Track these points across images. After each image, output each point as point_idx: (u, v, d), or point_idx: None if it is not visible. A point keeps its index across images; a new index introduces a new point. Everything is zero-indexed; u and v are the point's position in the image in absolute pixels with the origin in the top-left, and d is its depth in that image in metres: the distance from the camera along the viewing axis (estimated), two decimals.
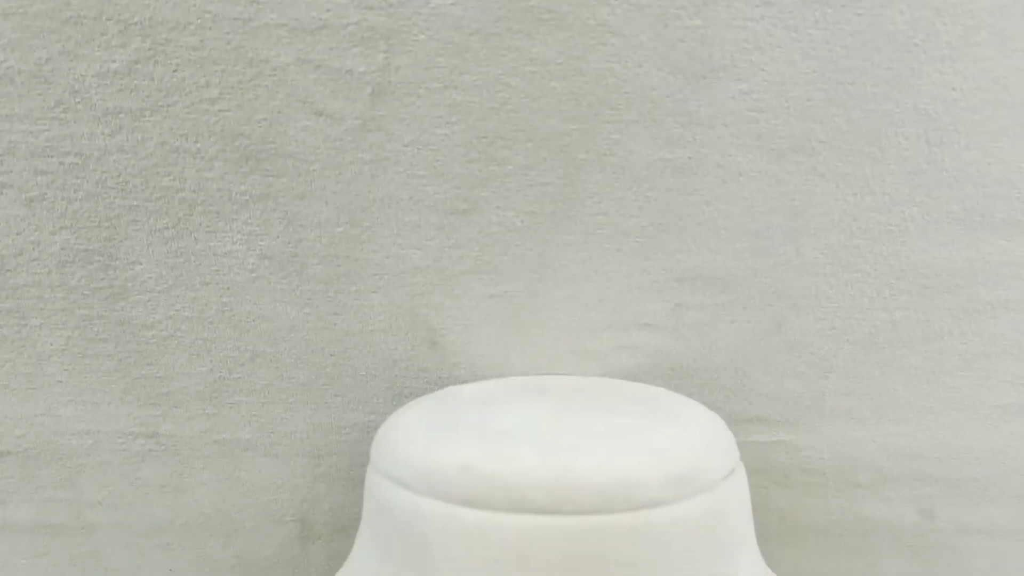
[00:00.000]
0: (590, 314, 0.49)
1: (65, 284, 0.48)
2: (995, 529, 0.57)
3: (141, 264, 0.47)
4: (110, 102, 0.43)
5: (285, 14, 0.42)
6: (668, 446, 0.38)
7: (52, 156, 0.44)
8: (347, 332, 0.50)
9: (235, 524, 0.56)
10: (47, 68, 0.43)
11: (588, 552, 0.34)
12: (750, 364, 0.51)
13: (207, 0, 0.42)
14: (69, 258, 0.47)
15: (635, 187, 0.46)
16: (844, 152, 0.45)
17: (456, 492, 0.35)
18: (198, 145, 0.44)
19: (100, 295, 0.48)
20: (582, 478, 0.34)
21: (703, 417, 0.42)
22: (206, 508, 0.56)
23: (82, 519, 0.56)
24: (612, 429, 0.39)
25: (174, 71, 0.43)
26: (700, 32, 0.43)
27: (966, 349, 0.50)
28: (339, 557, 0.56)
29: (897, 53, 0.44)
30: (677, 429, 0.40)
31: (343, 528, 0.56)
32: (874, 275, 0.48)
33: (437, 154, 0.45)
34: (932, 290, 0.49)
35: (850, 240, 0.47)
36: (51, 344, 0.50)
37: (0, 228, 0.46)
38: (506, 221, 0.46)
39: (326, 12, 0.42)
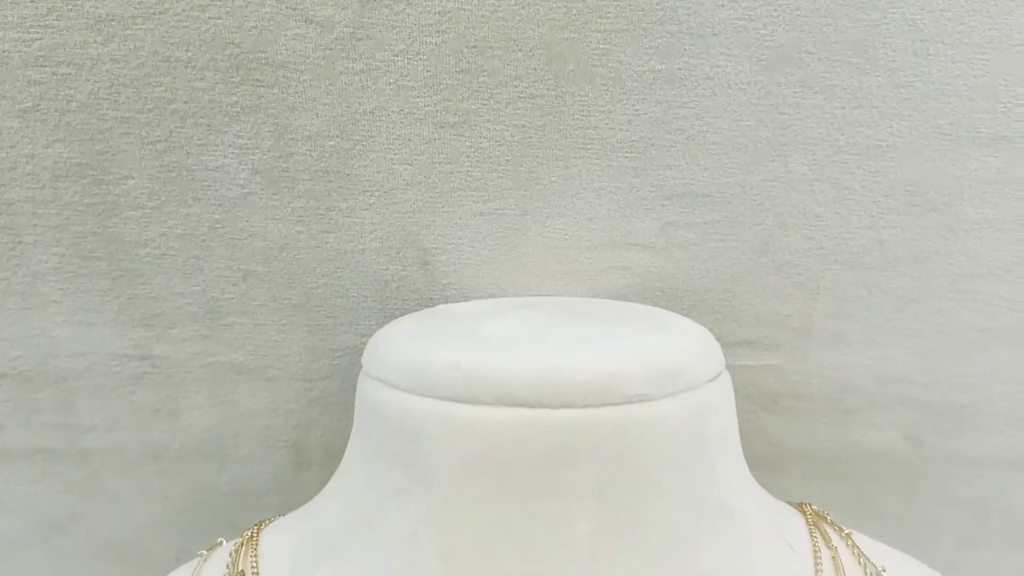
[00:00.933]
0: (580, 233, 0.48)
1: (59, 199, 0.47)
2: (981, 458, 0.57)
3: (133, 179, 0.46)
4: (102, 9, 0.43)
5: None
6: (654, 347, 0.37)
7: (45, 66, 0.44)
8: (339, 251, 0.49)
9: (229, 450, 0.56)
10: None
11: (574, 445, 0.33)
12: (739, 285, 0.50)
13: None
14: (63, 172, 0.46)
15: (625, 99, 0.45)
16: (832, 63, 0.44)
17: (444, 389, 0.34)
18: (189, 54, 0.44)
19: (93, 211, 0.47)
20: (568, 372, 0.33)
21: (690, 325, 0.41)
22: (200, 433, 0.55)
23: (78, 444, 0.55)
24: (600, 333, 0.39)
25: None
26: None
27: (952, 269, 0.50)
28: None
29: None
30: (664, 335, 0.39)
31: (336, 454, 0.55)
32: (862, 192, 0.47)
33: (427, 64, 0.44)
34: (919, 208, 0.48)
35: (838, 155, 0.46)
36: (45, 262, 0.49)
37: None
38: (496, 135, 0.46)
39: None
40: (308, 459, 0.55)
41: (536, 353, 0.35)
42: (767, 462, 0.56)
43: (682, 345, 0.38)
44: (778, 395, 0.54)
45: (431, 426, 0.34)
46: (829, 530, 0.42)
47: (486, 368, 0.34)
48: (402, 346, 0.37)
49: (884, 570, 0.39)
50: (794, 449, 0.56)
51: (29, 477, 0.56)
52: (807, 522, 0.42)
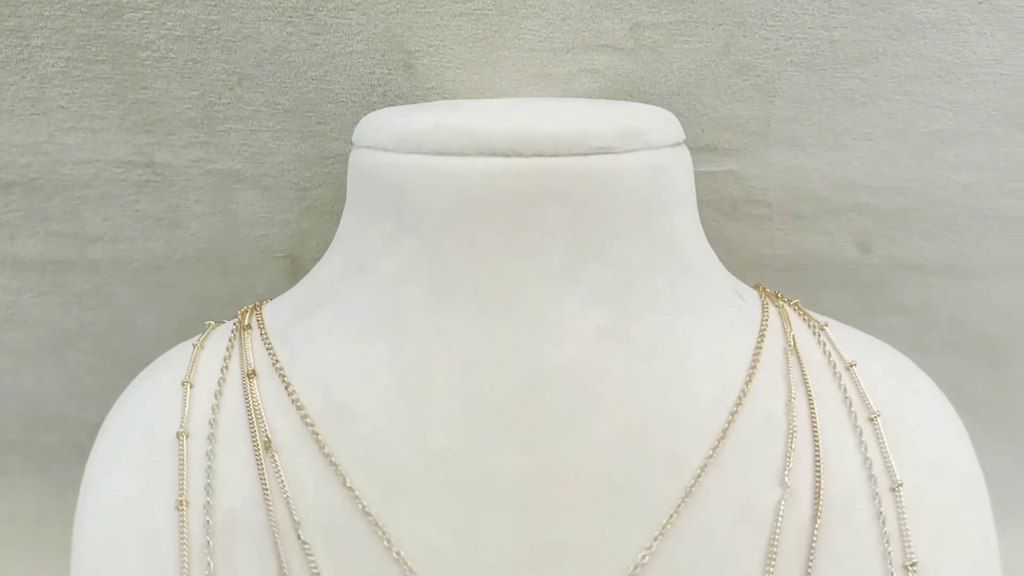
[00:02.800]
0: (554, 34, 0.50)
1: (64, 0, 0.48)
2: (926, 264, 0.59)
3: None
4: None
5: None
6: (620, 110, 0.39)
7: None
8: (327, 54, 0.50)
9: (229, 260, 0.58)
10: None
11: (545, 189, 0.35)
12: (702, 88, 0.52)
13: None
14: None
15: None
16: None
17: (428, 145, 0.36)
18: None
19: (97, 12, 0.49)
20: (541, 126, 0.35)
21: (655, 108, 0.44)
22: (201, 244, 0.57)
23: (85, 255, 0.57)
24: (572, 105, 0.41)
25: None
26: None
27: (899, 71, 0.52)
28: None
29: None
30: (631, 108, 0.42)
31: None
32: None
33: None
34: (868, 7, 0.50)
35: None
36: (52, 66, 0.50)
37: None
38: None
39: None
40: (303, 269, 0.57)
41: (512, 113, 0.37)
42: (728, 269, 0.59)
43: (646, 112, 0.40)
44: (738, 202, 0.57)
45: (417, 178, 0.36)
46: (785, 306, 0.44)
47: (465, 125, 0.36)
48: (388, 117, 0.39)
49: (853, 364, 0.40)
50: (753, 256, 0.58)
51: (40, 288, 0.58)
52: (760, 292, 0.44)
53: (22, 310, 0.56)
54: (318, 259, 0.56)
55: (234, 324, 0.41)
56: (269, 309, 0.41)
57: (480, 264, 0.34)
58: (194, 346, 0.40)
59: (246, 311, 0.41)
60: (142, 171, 0.52)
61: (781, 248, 0.56)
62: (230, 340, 0.39)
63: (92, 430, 0.56)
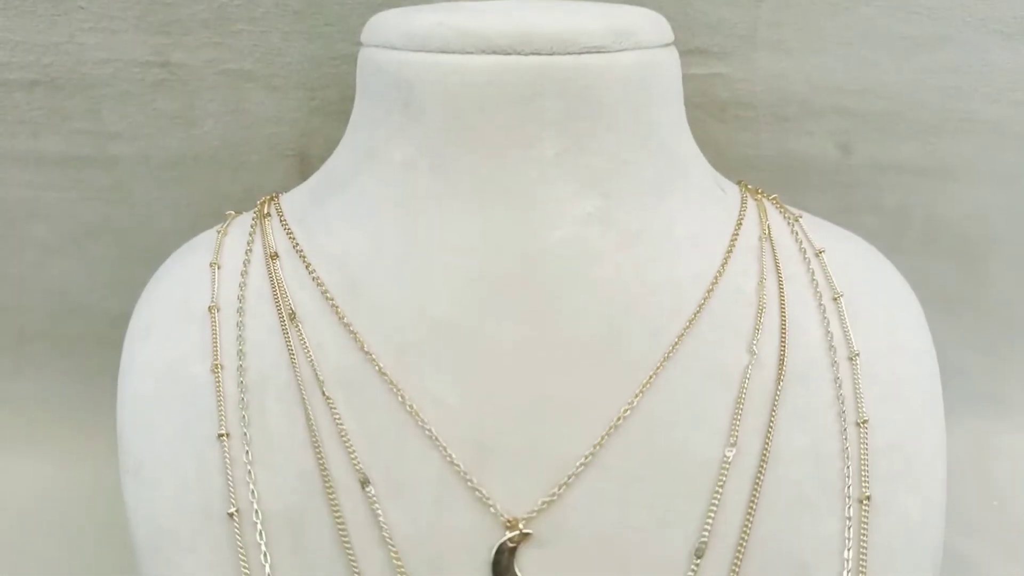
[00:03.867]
0: None
1: None
2: (903, 165, 0.63)
3: None
4: None
5: None
6: (613, 11, 0.43)
7: None
8: None
9: (242, 157, 0.61)
10: None
11: (541, 84, 0.38)
12: None
13: None
14: None
15: None
16: None
17: (434, 43, 0.39)
18: None
19: None
20: (538, 25, 0.39)
21: (647, 10, 0.47)
22: (215, 141, 0.60)
23: (105, 152, 0.61)
24: (568, 3, 0.45)
25: None
26: None
27: None
28: None
29: None
30: (624, 10, 0.45)
31: None
32: None
33: None
34: None
35: None
36: None
37: None
38: None
39: None
40: (311, 167, 0.60)
41: (512, 13, 0.41)
42: (715, 169, 0.63)
43: (637, 13, 0.43)
44: (726, 104, 0.60)
45: (423, 73, 0.40)
46: (764, 199, 0.48)
47: (468, 24, 0.39)
48: (395, 17, 0.43)
49: (822, 251, 0.45)
50: (739, 157, 0.62)
51: (62, 184, 0.62)
52: (741, 188, 0.48)
53: (46, 205, 0.60)
54: (326, 157, 0.60)
55: (254, 213, 0.45)
56: (286, 198, 0.45)
57: (481, 153, 0.38)
58: (218, 232, 0.44)
59: (265, 201, 0.45)
60: (158, 71, 0.55)
61: (766, 149, 0.60)
62: (251, 226, 0.43)
63: (114, 320, 0.61)
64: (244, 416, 0.36)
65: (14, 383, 0.70)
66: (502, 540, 0.33)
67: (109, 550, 0.66)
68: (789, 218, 0.44)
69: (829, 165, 0.61)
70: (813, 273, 0.42)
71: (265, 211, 0.44)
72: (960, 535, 0.68)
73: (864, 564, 0.34)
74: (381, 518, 0.34)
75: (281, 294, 0.39)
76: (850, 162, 0.61)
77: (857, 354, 0.38)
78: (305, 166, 0.60)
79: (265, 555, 0.34)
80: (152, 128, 0.58)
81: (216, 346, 0.38)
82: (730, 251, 0.40)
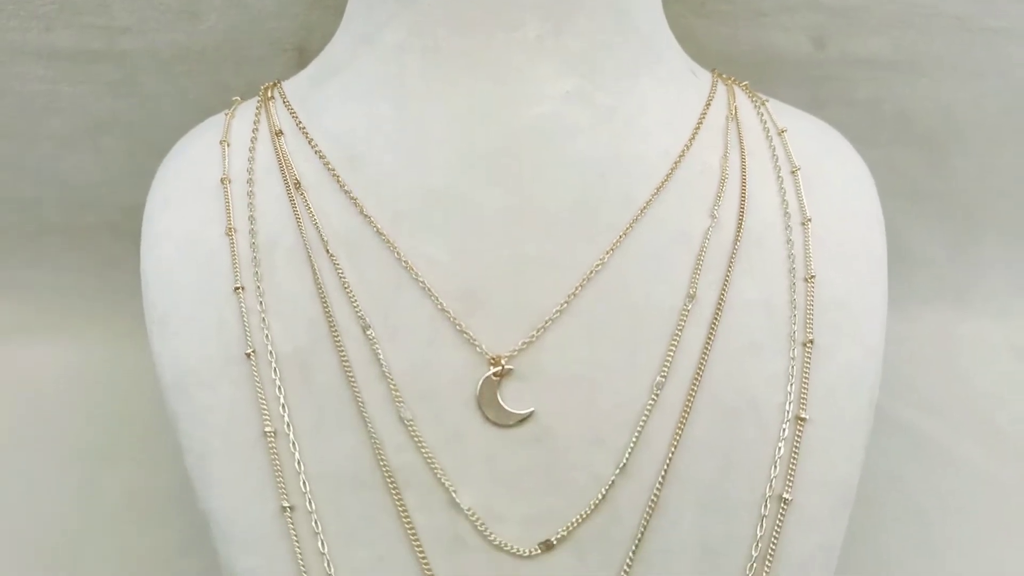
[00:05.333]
0: None
1: None
2: (874, 60, 0.67)
3: None
4: None
5: None
6: None
7: None
8: None
9: (243, 51, 0.65)
10: None
11: None
12: None
13: None
14: None
15: None
16: None
17: None
18: None
19: None
20: None
21: None
22: (219, 35, 0.64)
23: (115, 46, 0.64)
24: None
25: None
26: None
27: None
28: None
29: None
30: None
31: None
32: None
33: None
34: None
35: None
36: None
37: None
38: None
39: None
40: (310, 61, 0.64)
41: None
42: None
43: None
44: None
45: None
46: (734, 85, 0.52)
47: None
48: None
49: (785, 131, 0.49)
50: (717, 51, 0.65)
51: (74, 78, 0.65)
52: (713, 74, 0.52)
53: (59, 98, 0.64)
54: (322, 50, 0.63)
55: (259, 98, 0.49)
56: (288, 84, 0.49)
57: (469, 35, 0.42)
58: (226, 115, 0.48)
59: (268, 87, 0.49)
60: None
61: (744, 44, 0.63)
62: (257, 109, 0.48)
63: (125, 211, 0.66)
64: (256, 272, 0.41)
65: (32, 273, 0.74)
66: (487, 375, 0.38)
67: (126, 430, 0.72)
68: (756, 101, 0.49)
69: (803, 59, 0.64)
70: (775, 149, 0.46)
71: (269, 95, 0.48)
72: (924, 416, 0.74)
73: (805, 399, 0.39)
74: (381, 357, 0.39)
75: (286, 166, 0.43)
76: (823, 56, 0.64)
77: (809, 220, 0.43)
78: (304, 59, 0.63)
79: (279, 389, 0.39)
80: (159, 22, 0.61)
81: (229, 213, 0.43)
82: (698, 128, 0.45)
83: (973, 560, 0.67)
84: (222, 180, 0.44)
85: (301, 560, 0.37)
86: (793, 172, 0.44)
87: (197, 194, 0.44)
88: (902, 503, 0.70)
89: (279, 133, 0.44)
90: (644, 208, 0.41)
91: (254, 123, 0.46)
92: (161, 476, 0.68)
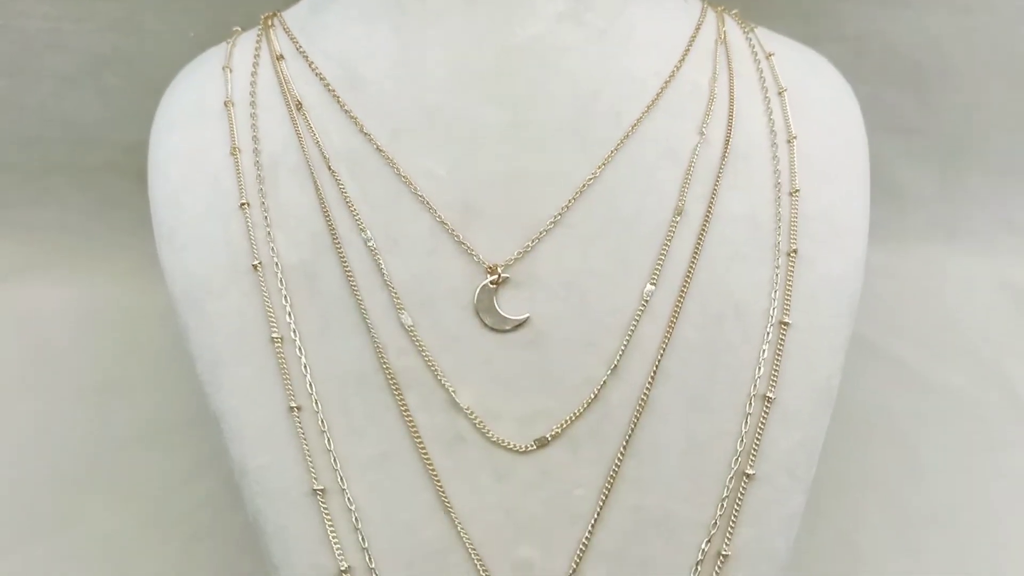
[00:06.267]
0: None
1: None
2: None
3: None
4: None
5: None
6: None
7: None
8: None
9: None
10: None
11: None
12: None
13: None
14: None
15: None
16: None
17: None
18: None
19: None
20: None
21: None
22: None
23: None
24: None
25: None
26: None
27: None
28: None
29: None
30: None
31: None
32: None
33: None
34: None
35: None
36: None
37: None
38: None
39: None
40: None
41: None
42: None
43: None
44: None
45: None
46: (724, 13, 0.53)
47: None
48: None
49: (772, 55, 0.50)
50: None
51: (78, 15, 0.66)
52: (704, 2, 0.53)
53: (63, 36, 0.65)
54: None
55: (259, 27, 0.50)
56: (288, 12, 0.50)
57: None
58: (228, 44, 0.50)
59: (268, 16, 0.51)
60: None
61: None
62: (257, 36, 0.49)
63: (128, 149, 0.68)
64: (261, 190, 0.43)
65: (37, 212, 0.76)
66: (484, 283, 0.40)
67: (133, 365, 0.74)
68: (746, 28, 0.50)
69: None
70: (762, 72, 0.47)
71: (269, 23, 0.49)
72: (910, 348, 0.76)
73: (788, 305, 0.41)
74: (382, 267, 0.41)
75: (287, 88, 0.45)
76: None
77: (795, 137, 0.45)
78: None
79: (285, 298, 0.41)
80: None
81: (233, 134, 0.44)
82: (687, 50, 0.46)
83: (956, 482, 0.70)
84: (225, 103, 0.45)
85: (309, 457, 0.39)
86: (780, 93, 0.46)
87: (201, 118, 0.45)
88: (888, 430, 0.73)
89: (280, 57, 0.46)
90: (635, 125, 0.43)
91: (255, 49, 0.47)
92: (168, 407, 0.70)
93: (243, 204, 0.42)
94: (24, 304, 0.75)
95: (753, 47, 0.48)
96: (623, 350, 0.39)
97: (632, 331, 0.40)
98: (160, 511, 0.66)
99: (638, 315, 0.40)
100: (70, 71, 0.68)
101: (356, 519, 0.38)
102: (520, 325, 0.40)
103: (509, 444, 0.39)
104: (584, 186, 0.41)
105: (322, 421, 0.39)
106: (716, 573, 0.38)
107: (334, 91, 0.44)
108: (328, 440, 0.39)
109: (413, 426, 0.39)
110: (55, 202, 0.75)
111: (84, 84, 0.69)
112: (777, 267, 0.41)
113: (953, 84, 0.72)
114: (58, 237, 0.76)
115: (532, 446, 0.39)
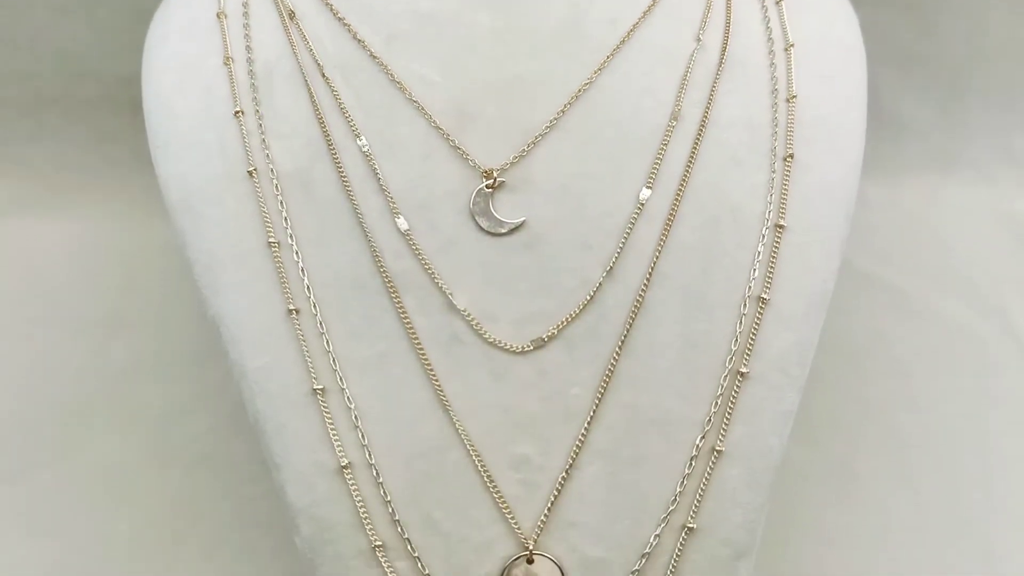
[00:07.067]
0: None
1: None
2: None
3: None
4: None
5: None
6: None
7: None
8: None
9: None
10: None
11: None
12: None
13: None
14: None
15: None
16: None
17: None
18: None
19: None
20: None
21: None
22: None
23: None
24: None
25: None
26: None
27: None
28: None
29: None
30: None
31: None
32: None
33: None
34: None
35: None
36: None
37: None
38: None
39: None
40: None
41: None
42: None
43: None
44: None
45: None
46: None
47: None
48: None
49: None
50: None
51: None
52: None
53: None
54: None
55: None
56: None
57: None
58: None
59: None
60: None
61: None
62: None
63: (123, 82, 0.67)
64: (255, 98, 0.43)
65: (32, 147, 0.76)
66: (479, 187, 0.40)
67: (131, 299, 0.74)
68: None
69: None
70: None
71: None
72: (907, 277, 0.76)
73: (784, 208, 0.41)
74: (378, 172, 0.41)
75: None
76: None
77: (792, 45, 0.44)
78: None
79: (281, 203, 0.41)
80: None
81: (226, 44, 0.44)
82: None
83: (951, 409, 0.70)
84: (218, 15, 0.45)
85: (308, 358, 0.39)
86: (777, 2, 0.46)
87: (194, 30, 0.45)
88: (885, 358, 0.73)
89: None
90: (631, 30, 0.42)
91: None
92: (168, 340, 0.71)
93: (237, 112, 0.42)
94: (23, 239, 0.75)
95: None
96: (619, 252, 0.40)
97: (628, 233, 0.40)
98: (161, 440, 0.67)
99: (634, 218, 0.40)
100: (61, 2, 0.67)
101: (356, 417, 0.39)
102: (516, 228, 0.40)
103: (506, 345, 0.39)
104: (580, 91, 0.41)
105: (320, 323, 0.39)
106: (710, 469, 0.38)
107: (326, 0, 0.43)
108: (327, 341, 0.39)
109: (411, 328, 0.39)
110: (50, 137, 0.75)
111: (76, 16, 0.68)
112: (773, 172, 0.41)
113: (953, 10, 0.72)
114: (55, 172, 0.76)
115: (529, 346, 0.39)
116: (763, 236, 0.40)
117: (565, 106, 0.41)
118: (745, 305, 0.40)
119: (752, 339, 0.39)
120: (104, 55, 0.71)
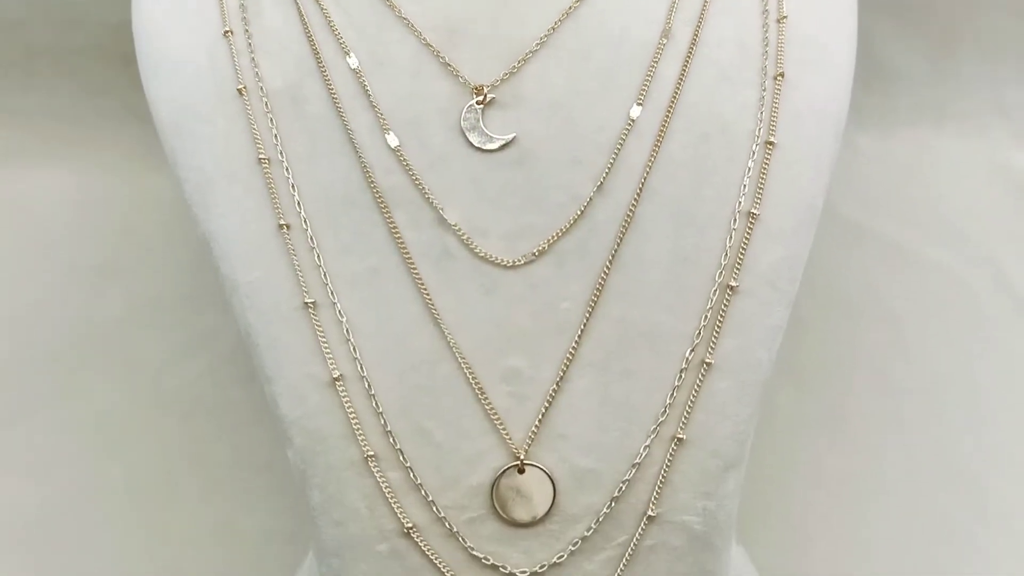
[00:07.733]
0: None
1: None
2: None
3: None
4: None
5: None
6: None
7: None
8: None
9: None
10: None
11: None
12: None
13: None
14: None
15: None
16: None
17: None
18: None
19: None
20: None
21: None
22: None
23: None
24: None
25: None
26: None
27: None
28: None
29: None
30: None
31: None
32: None
33: None
34: None
35: None
36: None
37: None
38: None
39: None
40: None
41: None
42: None
43: None
44: None
45: None
46: None
47: None
48: None
49: None
50: None
51: None
52: None
53: None
54: None
55: None
56: None
57: None
58: None
59: None
60: None
61: None
62: None
63: (114, 31, 0.67)
64: (244, 18, 0.43)
65: (24, 98, 0.75)
66: (470, 103, 0.40)
67: (125, 249, 0.74)
68: None
69: None
70: None
71: None
72: (899, 228, 0.76)
73: (775, 125, 0.41)
74: (368, 89, 0.41)
75: None
76: None
77: (785, 17, 0.43)
78: None
79: (272, 121, 0.41)
80: None
81: None
82: None
83: (941, 357, 0.71)
84: None
85: (299, 272, 0.39)
86: None
87: None
88: (876, 307, 0.73)
89: None
90: None
91: None
92: (163, 288, 0.71)
93: (227, 32, 0.42)
94: (15, 189, 0.75)
95: None
96: (609, 167, 0.40)
97: (619, 149, 0.40)
98: (157, 386, 0.67)
99: (624, 134, 0.40)
100: None
101: (347, 331, 0.38)
102: (507, 144, 0.40)
103: (496, 259, 0.39)
104: (571, 8, 0.41)
105: (311, 238, 0.39)
106: (699, 381, 0.38)
107: None
108: (318, 256, 0.39)
109: (401, 242, 0.39)
110: (43, 87, 0.75)
111: None
112: (764, 90, 0.41)
113: None
114: (46, 122, 0.76)
115: (519, 260, 0.39)
116: (753, 153, 0.40)
117: (556, 23, 0.41)
118: (735, 220, 0.40)
119: (742, 254, 0.39)
120: (93, 2, 0.70)
